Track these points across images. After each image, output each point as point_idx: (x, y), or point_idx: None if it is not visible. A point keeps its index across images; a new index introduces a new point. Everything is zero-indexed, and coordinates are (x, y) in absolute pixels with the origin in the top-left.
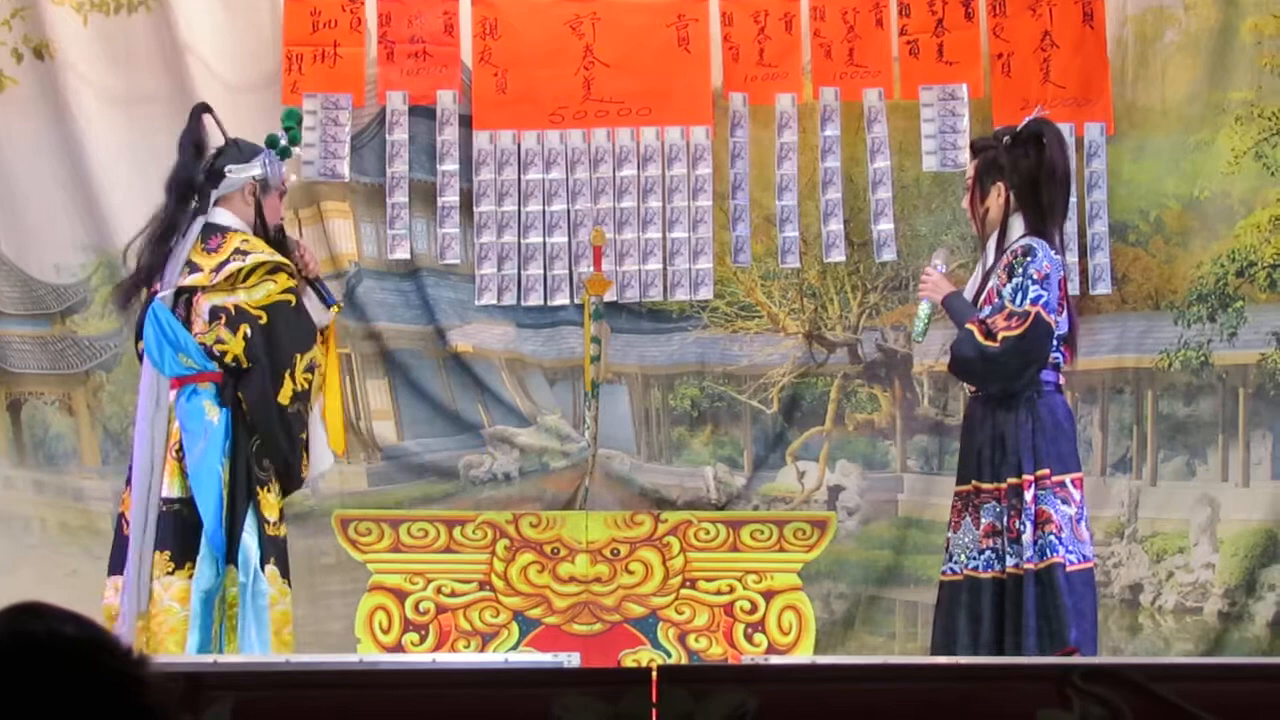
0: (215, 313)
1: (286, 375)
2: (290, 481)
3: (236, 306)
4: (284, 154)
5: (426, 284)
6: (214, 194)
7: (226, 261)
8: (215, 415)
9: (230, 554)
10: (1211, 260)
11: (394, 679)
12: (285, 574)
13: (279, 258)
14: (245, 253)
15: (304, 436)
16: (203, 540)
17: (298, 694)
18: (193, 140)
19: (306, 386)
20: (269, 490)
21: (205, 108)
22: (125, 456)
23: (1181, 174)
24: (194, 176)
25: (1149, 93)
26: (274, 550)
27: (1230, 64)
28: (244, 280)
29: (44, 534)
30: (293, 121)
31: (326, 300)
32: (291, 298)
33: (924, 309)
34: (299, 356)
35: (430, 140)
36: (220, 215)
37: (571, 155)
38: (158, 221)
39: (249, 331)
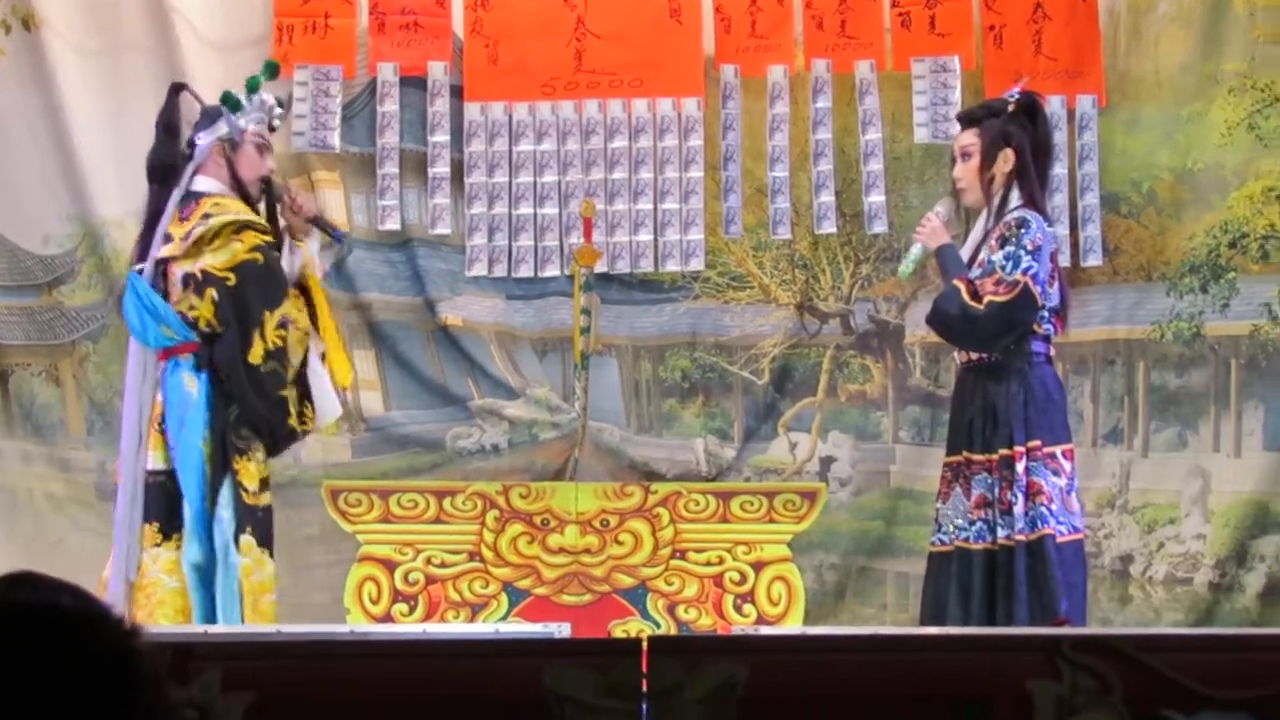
0: (185, 280)
1: (256, 335)
2: (279, 440)
3: (203, 271)
4: (234, 106)
5: (417, 255)
6: (190, 165)
7: (195, 228)
8: (194, 386)
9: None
10: (1204, 231)
11: (384, 649)
12: (264, 543)
13: (246, 216)
14: (210, 216)
15: (286, 394)
16: (186, 515)
17: (287, 664)
18: (164, 122)
19: (280, 344)
20: (249, 458)
21: (181, 86)
22: (111, 427)
23: (1174, 146)
24: (167, 159)
25: (1141, 64)
26: (251, 520)
27: (1223, 35)
28: (210, 243)
29: (31, 504)
30: (260, 76)
31: (334, 237)
32: (259, 256)
33: (916, 250)
34: (268, 314)
35: (421, 111)
36: (198, 182)
37: (563, 126)
38: (146, 209)
39: (216, 295)
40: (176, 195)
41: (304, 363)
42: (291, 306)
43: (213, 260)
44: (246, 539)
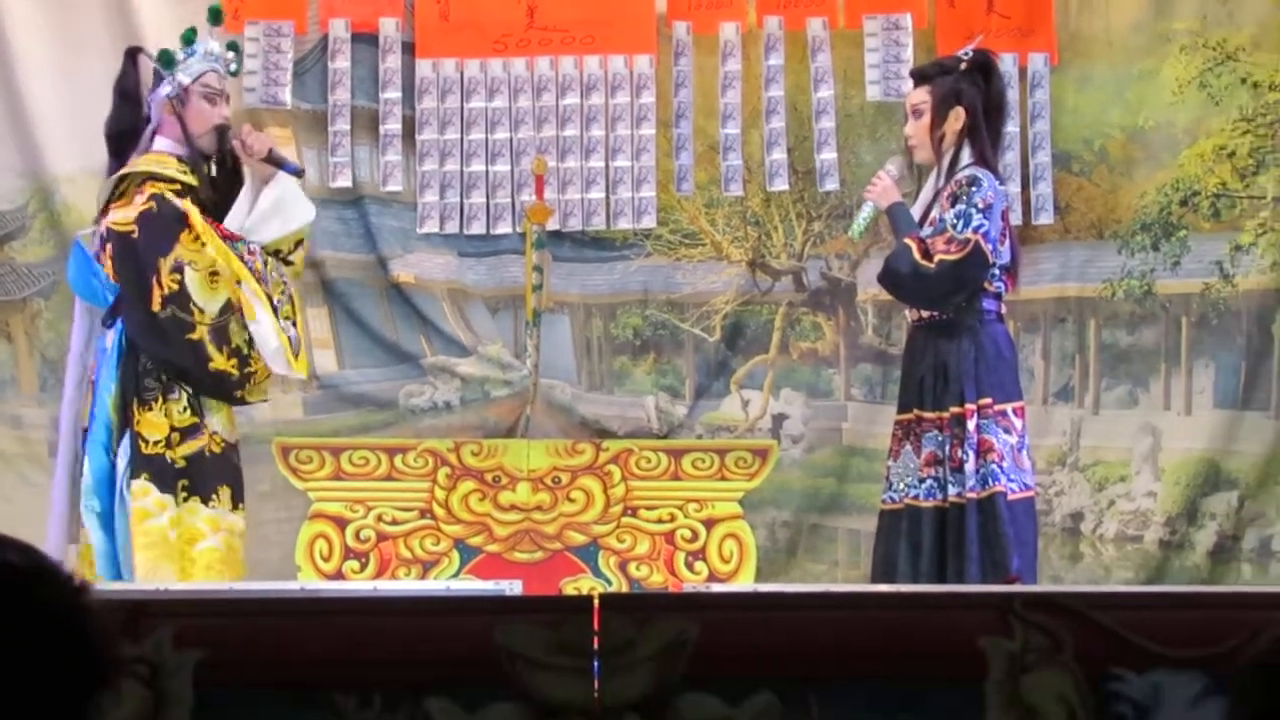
0: (101, 240)
1: (154, 282)
2: (209, 386)
3: (108, 227)
4: (168, 63)
5: (369, 212)
6: (149, 129)
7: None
8: (110, 340)
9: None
10: (1155, 190)
11: (335, 606)
12: (168, 489)
13: (149, 169)
14: (123, 176)
15: (197, 338)
16: (87, 466)
17: (239, 621)
18: (120, 88)
19: (176, 288)
20: (150, 409)
21: (136, 50)
22: (63, 384)
23: (1125, 104)
24: (124, 126)
25: (1093, 22)
26: (149, 467)
27: None
28: (119, 199)
29: None
30: (193, 30)
31: (287, 168)
32: (152, 205)
33: (867, 210)
34: (161, 260)
35: (373, 67)
36: (157, 143)
37: (514, 84)
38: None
39: (113, 249)
40: (134, 159)
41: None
42: (187, 250)
43: (117, 216)
44: (142, 483)
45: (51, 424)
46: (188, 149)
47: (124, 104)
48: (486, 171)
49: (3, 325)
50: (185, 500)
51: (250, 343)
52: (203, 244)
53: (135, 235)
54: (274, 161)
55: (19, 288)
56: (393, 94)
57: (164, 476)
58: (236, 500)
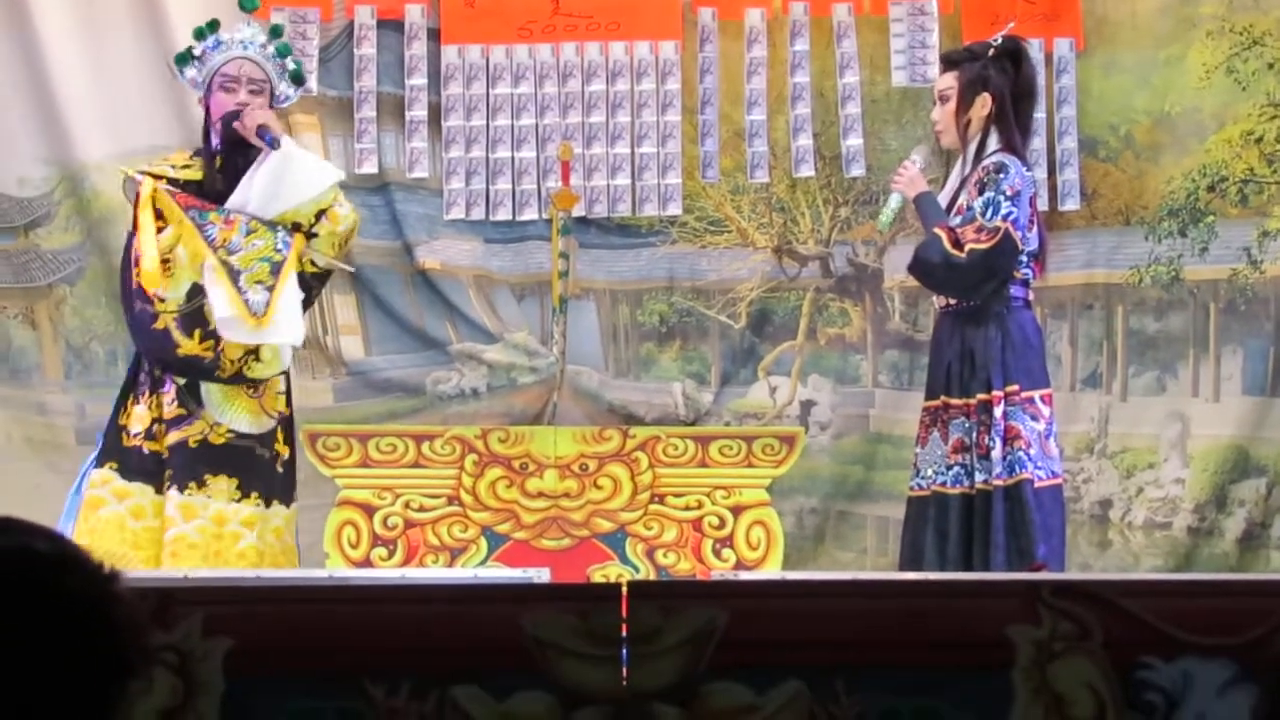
0: None
1: (124, 277)
2: (191, 367)
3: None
4: (182, 61)
5: (395, 199)
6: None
7: None
8: None
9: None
10: (1182, 175)
11: (363, 594)
12: (135, 478)
13: (141, 168)
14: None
15: (160, 326)
16: None
17: (267, 608)
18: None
19: (137, 281)
20: (139, 402)
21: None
22: (89, 371)
23: (1152, 89)
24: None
25: (1119, 7)
26: (122, 457)
27: None
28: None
29: (8, 447)
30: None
31: (265, 139)
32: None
33: (894, 201)
34: (130, 254)
35: (399, 54)
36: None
37: (540, 70)
38: None
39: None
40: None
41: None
42: (148, 218)
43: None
44: (104, 472)
45: (78, 411)
46: (216, 139)
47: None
48: (512, 158)
49: (28, 312)
50: (167, 489)
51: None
52: (155, 233)
53: (125, 237)
54: (260, 135)
55: (44, 274)
56: (418, 80)
57: (135, 467)
58: (247, 490)
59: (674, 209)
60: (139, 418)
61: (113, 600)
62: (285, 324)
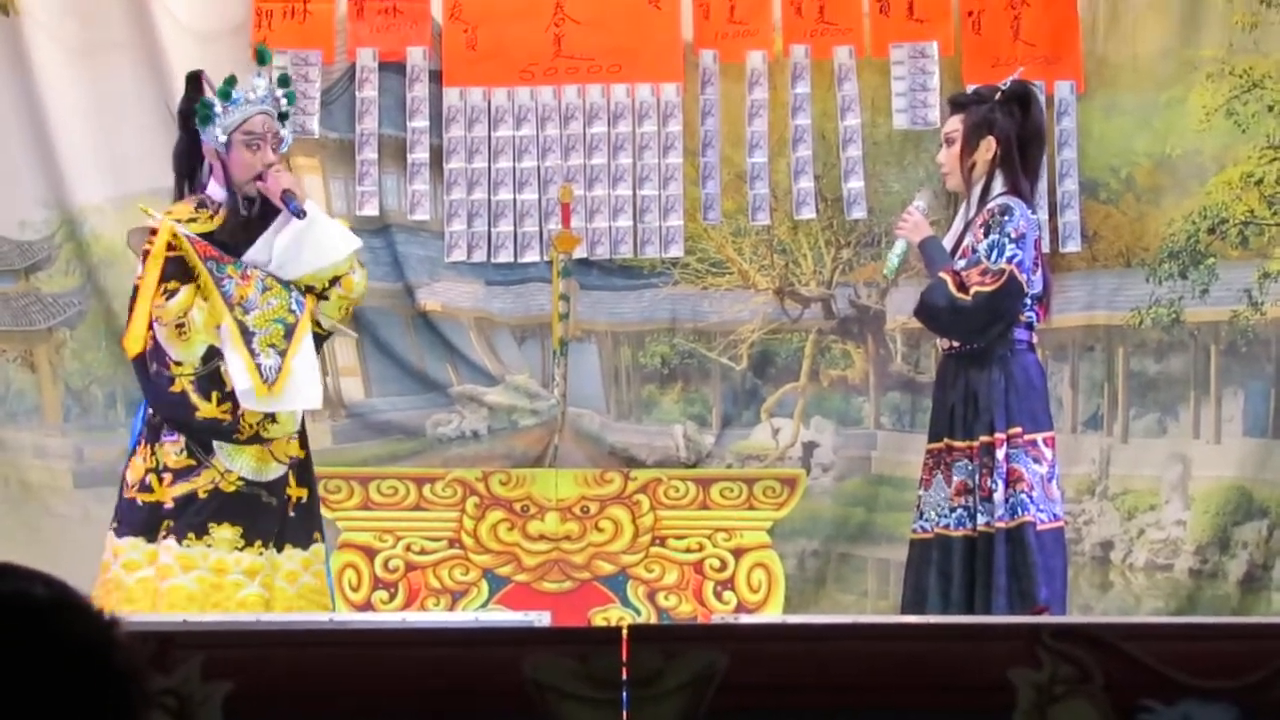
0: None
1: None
2: (208, 431)
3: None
4: (205, 120)
5: (396, 241)
6: (202, 169)
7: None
8: None
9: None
10: (1183, 217)
11: (364, 638)
12: (136, 533)
13: (153, 220)
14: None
15: (177, 389)
16: None
17: (267, 652)
18: (182, 112)
19: (153, 344)
20: (137, 453)
21: (198, 74)
22: (88, 414)
23: (1153, 131)
24: (184, 149)
25: (1120, 49)
26: (127, 515)
27: (1201, 21)
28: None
29: (6, 491)
30: (229, 84)
31: (289, 207)
32: (144, 248)
33: (899, 247)
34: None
35: (400, 96)
36: (211, 188)
37: (542, 112)
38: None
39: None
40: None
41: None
42: (152, 280)
43: (139, 269)
44: (124, 539)
45: (76, 454)
46: (229, 196)
47: (186, 129)
48: (514, 200)
49: (27, 355)
50: (162, 539)
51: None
52: (168, 295)
53: (130, 293)
54: (285, 202)
55: (44, 317)
56: (420, 123)
57: (133, 521)
58: (250, 539)
59: (675, 251)
60: (134, 469)
61: (112, 645)
62: (299, 389)
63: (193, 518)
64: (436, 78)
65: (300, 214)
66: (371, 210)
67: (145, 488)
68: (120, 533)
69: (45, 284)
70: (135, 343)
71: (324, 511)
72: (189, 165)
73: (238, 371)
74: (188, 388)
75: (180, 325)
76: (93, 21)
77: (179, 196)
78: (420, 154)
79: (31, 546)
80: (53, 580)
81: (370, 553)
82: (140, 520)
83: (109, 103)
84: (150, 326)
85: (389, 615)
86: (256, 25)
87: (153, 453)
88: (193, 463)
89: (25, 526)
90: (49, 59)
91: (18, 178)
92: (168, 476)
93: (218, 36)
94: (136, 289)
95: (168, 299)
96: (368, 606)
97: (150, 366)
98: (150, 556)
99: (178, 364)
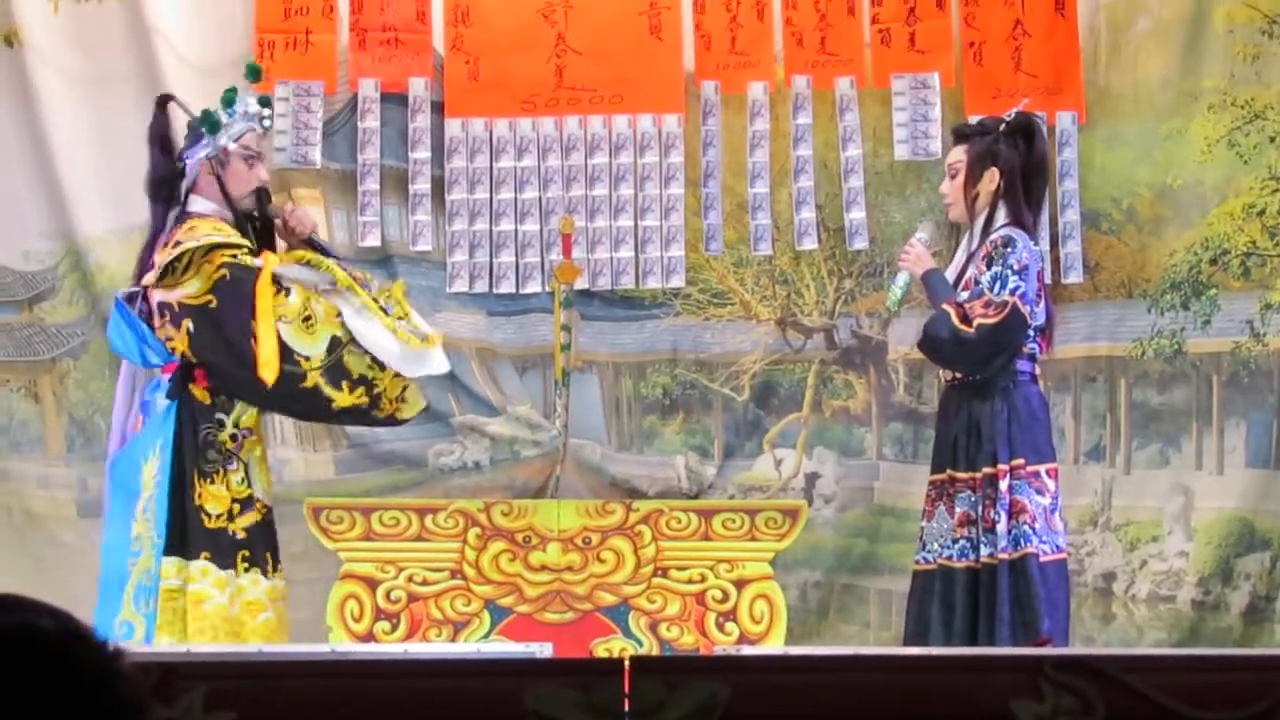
0: (160, 309)
1: (252, 345)
2: (354, 417)
3: (178, 302)
4: (212, 127)
5: (398, 271)
6: (184, 184)
7: (165, 257)
8: (162, 405)
9: (170, 545)
10: (1185, 248)
11: (366, 669)
12: (228, 564)
13: (212, 237)
14: (180, 243)
15: (309, 384)
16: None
17: (270, 683)
18: (157, 135)
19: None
20: (214, 482)
21: (168, 98)
22: (92, 444)
23: (1154, 162)
24: (162, 175)
25: (1121, 80)
26: (211, 543)
27: (1203, 52)
28: (182, 273)
29: (9, 521)
30: (234, 91)
31: (329, 256)
32: (225, 272)
33: (902, 279)
34: (252, 323)
35: (402, 127)
36: (193, 202)
37: (543, 143)
38: (150, 227)
39: (191, 326)
40: (172, 216)
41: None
42: (268, 304)
43: (188, 290)
44: (201, 564)
45: (80, 484)
46: (229, 211)
47: (161, 152)
48: (515, 231)
49: (30, 385)
50: (246, 571)
51: (375, 364)
52: (286, 292)
53: (214, 305)
54: (315, 246)
55: (48, 348)
56: (422, 153)
57: (225, 551)
58: (277, 563)
59: (677, 281)
60: (218, 498)
61: (117, 677)
62: (437, 352)
63: (259, 546)
64: (438, 108)
65: (332, 256)
66: (374, 241)
67: (230, 517)
68: (222, 565)
69: (49, 314)
70: (271, 370)
71: (326, 542)
72: (169, 190)
73: (382, 339)
74: (320, 381)
75: (308, 318)
76: (96, 54)
77: (160, 224)
78: (422, 185)
79: (35, 576)
80: (58, 612)
81: (372, 583)
82: (229, 552)
83: (112, 134)
84: (280, 345)
85: (391, 646)
86: (258, 56)
87: (228, 481)
88: (250, 492)
89: (29, 556)
90: (53, 91)
91: (22, 209)
92: (236, 507)
93: (219, 69)
94: (216, 312)
95: (287, 296)
96: (370, 637)
97: (285, 367)
98: (237, 592)
99: (306, 359)
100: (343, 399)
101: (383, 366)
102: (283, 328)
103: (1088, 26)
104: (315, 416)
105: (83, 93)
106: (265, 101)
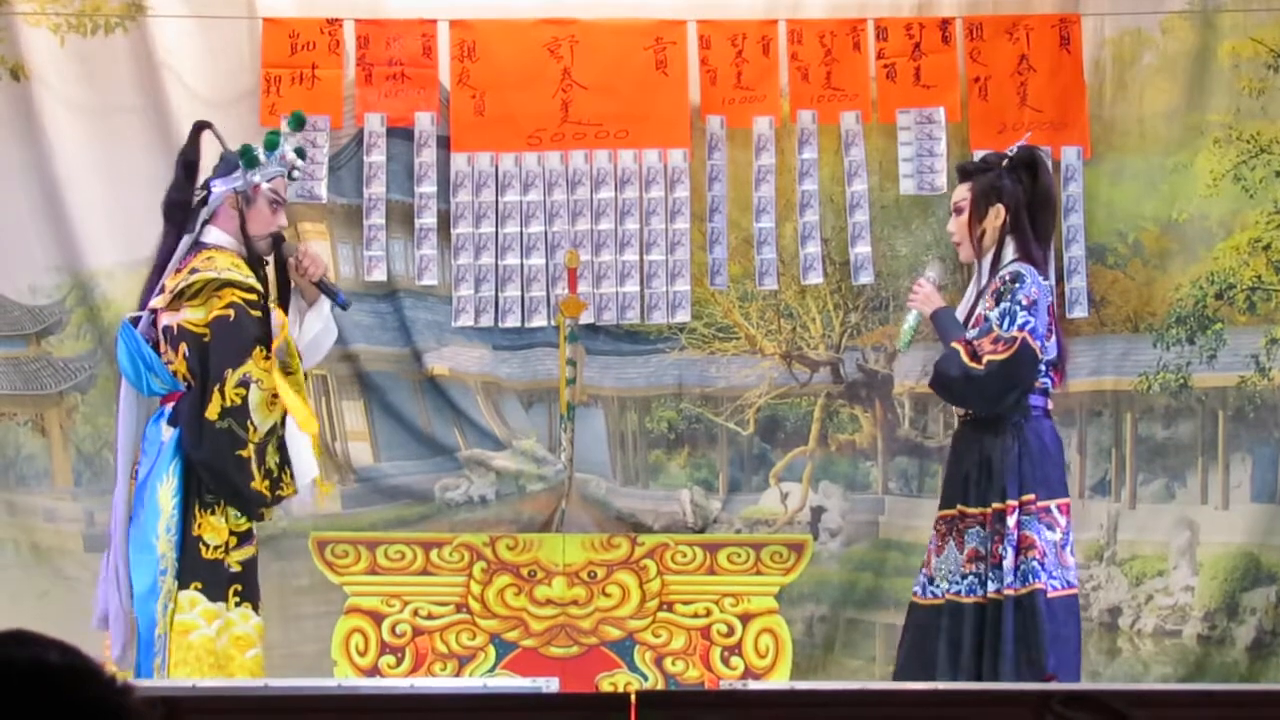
0: (165, 332)
1: (216, 390)
2: (244, 503)
3: (179, 325)
4: (250, 162)
5: (404, 306)
6: (203, 212)
7: (180, 281)
8: (167, 435)
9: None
10: (1190, 282)
11: (371, 704)
12: (220, 597)
13: (230, 274)
14: (197, 270)
15: (246, 455)
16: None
17: (275, 718)
18: (184, 161)
19: (238, 401)
20: (214, 513)
21: (205, 125)
22: (99, 478)
23: (1160, 196)
24: (183, 198)
25: (1127, 115)
26: (204, 574)
27: (1208, 86)
28: (191, 298)
29: (16, 555)
30: (279, 133)
31: (337, 301)
32: (230, 312)
33: (911, 319)
34: (230, 371)
35: (408, 161)
36: (209, 234)
37: (549, 177)
38: (157, 250)
39: (187, 350)
40: (185, 243)
41: (282, 425)
42: (257, 366)
43: (190, 315)
44: (190, 594)
45: (87, 518)
46: (244, 247)
47: (186, 177)
48: (521, 265)
49: (37, 419)
50: (238, 605)
51: (280, 465)
52: (270, 365)
53: (207, 340)
54: (325, 289)
55: (55, 382)
56: (428, 188)
57: (218, 583)
58: (259, 601)
59: (683, 316)
60: (217, 530)
61: (124, 712)
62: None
63: (252, 582)
64: (444, 143)
65: (346, 305)
66: (379, 275)
67: (228, 549)
68: (213, 597)
69: (56, 348)
70: (312, 421)
71: (331, 576)
72: (183, 215)
73: (307, 458)
74: (252, 455)
75: (275, 396)
76: (103, 87)
77: (170, 248)
78: (428, 219)
79: (42, 609)
80: (67, 647)
81: (377, 617)
82: (222, 584)
83: (119, 168)
84: (276, 395)
85: (396, 681)
86: (265, 91)
87: (226, 516)
88: (250, 526)
89: (36, 590)
90: (60, 124)
91: (29, 242)
92: (233, 540)
93: (227, 102)
94: (210, 352)
95: (270, 368)
96: (375, 671)
97: (223, 420)
98: (226, 626)
99: (254, 429)
100: (257, 483)
101: (286, 470)
102: (254, 391)
103: (1093, 61)
104: (232, 483)
105: (89, 126)
106: (301, 153)
